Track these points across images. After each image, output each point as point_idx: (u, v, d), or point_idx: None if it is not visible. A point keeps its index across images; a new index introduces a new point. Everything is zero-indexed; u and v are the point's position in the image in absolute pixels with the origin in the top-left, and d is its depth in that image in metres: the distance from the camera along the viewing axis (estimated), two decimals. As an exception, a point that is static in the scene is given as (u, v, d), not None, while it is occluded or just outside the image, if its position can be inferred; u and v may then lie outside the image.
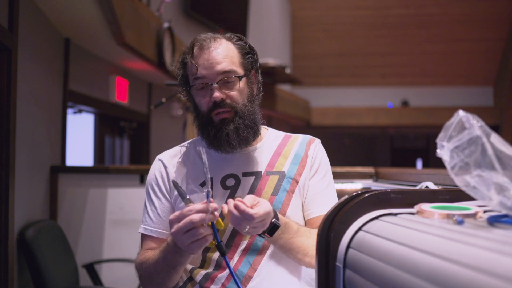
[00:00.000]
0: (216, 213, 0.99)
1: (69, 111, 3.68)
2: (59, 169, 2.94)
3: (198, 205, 0.98)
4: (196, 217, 0.96)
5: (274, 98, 7.61)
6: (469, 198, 0.72)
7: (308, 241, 1.14)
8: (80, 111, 3.93)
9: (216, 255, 1.19)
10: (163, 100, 2.84)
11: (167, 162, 1.29)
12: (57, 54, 3.10)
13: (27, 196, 2.51)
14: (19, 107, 2.23)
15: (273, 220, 1.07)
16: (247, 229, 1.01)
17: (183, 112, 4.45)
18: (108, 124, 4.68)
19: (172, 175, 1.26)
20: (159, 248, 1.14)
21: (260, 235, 1.08)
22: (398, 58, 10.47)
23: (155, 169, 1.30)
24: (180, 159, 1.29)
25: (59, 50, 3.13)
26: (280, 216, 1.11)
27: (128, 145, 5.13)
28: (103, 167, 3.32)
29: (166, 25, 3.93)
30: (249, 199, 1.03)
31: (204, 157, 1.03)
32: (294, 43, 10.60)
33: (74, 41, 3.31)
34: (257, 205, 1.02)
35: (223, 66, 1.18)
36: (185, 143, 1.35)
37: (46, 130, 2.85)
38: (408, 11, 9.93)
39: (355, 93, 10.97)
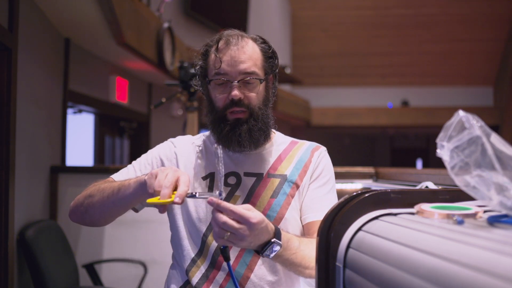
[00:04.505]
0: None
1: (69, 111, 3.68)
2: (59, 169, 2.94)
3: (185, 179, 0.97)
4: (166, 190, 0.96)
5: (276, 98, 7.60)
6: (469, 198, 0.72)
7: (310, 253, 1.10)
8: (80, 111, 3.94)
9: (214, 244, 1.17)
10: (163, 100, 2.84)
11: (179, 149, 1.29)
12: (57, 54, 3.10)
13: (27, 196, 2.51)
14: (19, 107, 2.23)
15: (273, 240, 1.01)
16: (227, 236, 0.95)
17: (183, 112, 4.46)
18: (108, 124, 4.68)
19: (181, 160, 1.26)
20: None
21: (259, 253, 1.03)
22: (398, 58, 10.48)
23: (164, 147, 1.30)
24: (190, 148, 1.30)
25: (59, 50, 3.13)
26: (283, 232, 1.05)
27: (128, 145, 5.14)
28: (103, 167, 3.32)
29: (166, 25, 3.93)
30: (243, 206, 0.99)
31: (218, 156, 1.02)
32: (294, 43, 10.60)
33: (74, 41, 3.31)
34: (251, 210, 0.98)
35: (246, 66, 1.17)
36: (198, 136, 1.36)
37: (46, 130, 2.86)
38: (408, 11, 9.94)
39: (355, 93, 10.98)
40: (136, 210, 1.26)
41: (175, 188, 0.97)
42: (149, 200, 0.97)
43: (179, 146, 1.30)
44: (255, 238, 0.97)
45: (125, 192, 1.08)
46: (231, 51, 1.18)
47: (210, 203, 0.94)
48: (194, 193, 0.99)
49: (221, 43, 1.19)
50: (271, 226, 1.02)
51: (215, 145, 1.02)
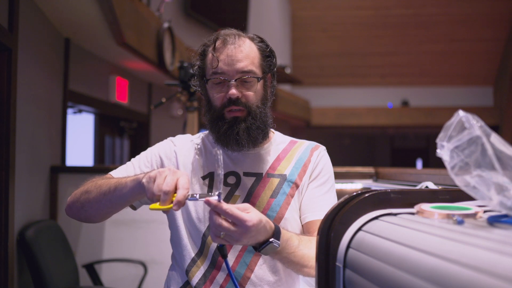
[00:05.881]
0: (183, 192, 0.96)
1: (69, 111, 3.68)
2: (59, 169, 2.94)
3: (184, 182, 0.96)
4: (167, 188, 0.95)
5: (274, 98, 7.61)
6: (469, 198, 0.72)
7: (309, 252, 1.10)
8: (80, 111, 3.93)
9: (214, 244, 1.17)
10: (163, 100, 2.84)
11: (179, 148, 1.29)
12: (57, 54, 3.10)
13: (27, 196, 2.51)
14: (19, 107, 2.23)
15: (271, 240, 1.01)
16: (222, 235, 0.95)
17: (183, 112, 4.46)
18: (108, 124, 4.68)
19: (180, 159, 1.26)
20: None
21: (256, 249, 1.04)
22: (398, 58, 10.48)
23: (164, 146, 1.30)
24: (189, 148, 1.30)
25: (59, 50, 3.13)
26: (283, 231, 1.05)
27: (128, 145, 5.14)
28: (103, 167, 3.32)
29: (166, 25, 3.93)
30: (240, 206, 0.99)
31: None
32: (294, 43, 10.60)
33: (74, 41, 3.31)
34: (249, 211, 0.98)
35: (243, 64, 1.17)
36: (197, 135, 1.36)
37: (46, 130, 2.85)
38: (408, 11, 9.94)
39: (355, 93, 10.98)
40: (134, 208, 1.26)
41: (175, 190, 0.97)
42: (151, 207, 0.97)
43: (179, 145, 1.30)
44: (251, 239, 0.98)
45: (121, 191, 1.08)
46: (228, 50, 1.18)
47: (207, 204, 0.95)
48: (195, 195, 0.99)
49: (218, 43, 1.19)
50: (271, 225, 1.02)
51: (216, 149, 1.01)
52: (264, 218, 0.99)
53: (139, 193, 1.05)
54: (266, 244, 1.01)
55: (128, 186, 1.06)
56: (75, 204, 1.18)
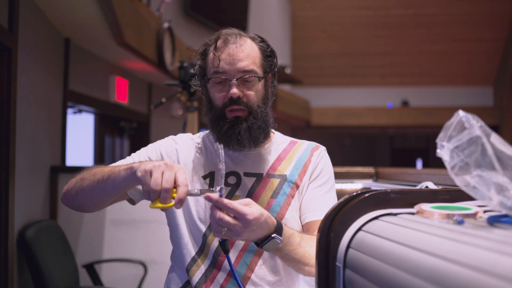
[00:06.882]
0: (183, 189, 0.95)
1: (69, 111, 3.68)
2: (59, 169, 2.94)
3: (182, 178, 0.96)
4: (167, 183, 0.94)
5: (275, 98, 7.61)
6: (469, 198, 0.72)
7: (310, 250, 1.10)
8: (80, 111, 3.94)
9: (214, 244, 1.18)
10: (163, 100, 2.84)
11: (180, 146, 1.29)
12: (57, 54, 3.10)
13: (27, 196, 2.51)
14: (19, 107, 2.23)
15: (273, 235, 1.01)
16: (224, 232, 0.95)
17: (183, 112, 4.46)
18: (108, 124, 4.68)
19: (181, 158, 1.26)
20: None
21: (258, 245, 1.04)
22: (398, 58, 10.48)
23: (166, 144, 1.30)
24: (190, 147, 1.29)
25: (59, 50, 3.13)
26: (285, 228, 1.05)
27: (128, 145, 5.14)
28: (103, 167, 3.32)
29: (166, 25, 3.93)
30: (242, 201, 0.99)
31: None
32: (294, 43, 10.60)
33: (74, 41, 3.31)
34: (250, 205, 0.98)
35: (245, 64, 1.17)
36: (197, 134, 1.35)
37: (46, 130, 2.85)
38: (408, 11, 9.94)
39: (355, 93, 10.98)
40: (133, 202, 1.24)
41: (174, 186, 0.96)
42: (152, 206, 0.96)
43: (180, 143, 1.30)
44: (252, 233, 0.98)
45: (115, 180, 1.07)
46: (230, 50, 1.18)
47: (208, 199, 0.95)
48: (195, 191, 0.98)
49: (219, 42, 1.19)
50: (272, 221, 1.02)
51: (217, 143, 1.01)
52: (265, 212, 0.99)
53: (132, 183, 1.04)
54: (268, 239, 1.01)
55: (121, 175, 1.05)
56: (70, 192, 1.18)
